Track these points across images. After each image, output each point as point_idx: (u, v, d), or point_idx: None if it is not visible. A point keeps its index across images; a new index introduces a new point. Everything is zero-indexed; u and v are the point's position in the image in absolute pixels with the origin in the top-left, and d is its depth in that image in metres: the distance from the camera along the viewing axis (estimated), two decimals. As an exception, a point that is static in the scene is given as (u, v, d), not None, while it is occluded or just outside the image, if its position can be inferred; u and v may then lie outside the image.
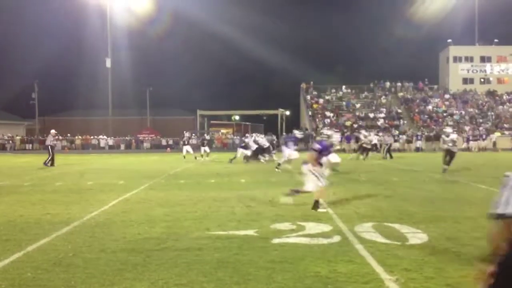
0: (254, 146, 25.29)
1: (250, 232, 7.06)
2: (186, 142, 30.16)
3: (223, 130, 66.14)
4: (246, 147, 25.76)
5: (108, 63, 55.49)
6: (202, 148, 29.32)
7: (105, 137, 55.45)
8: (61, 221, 8.07)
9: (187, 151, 28.89)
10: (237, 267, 5.25)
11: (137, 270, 5.17)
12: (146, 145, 55.00)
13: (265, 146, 25.49)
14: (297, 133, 22.54)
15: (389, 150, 29.86)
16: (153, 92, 70.99)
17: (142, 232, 7.11)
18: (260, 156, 25.19)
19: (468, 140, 43.90)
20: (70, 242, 6.51)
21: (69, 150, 50.36)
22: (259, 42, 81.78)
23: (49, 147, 23.36)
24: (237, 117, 74.11)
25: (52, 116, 72.06)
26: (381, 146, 32.05)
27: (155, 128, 65.43)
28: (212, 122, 71.41)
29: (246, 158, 24.90)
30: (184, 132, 34.46)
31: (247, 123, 71.73)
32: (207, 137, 40.96)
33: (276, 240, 6.47)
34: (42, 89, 64.00)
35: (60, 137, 50.89)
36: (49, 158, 22.89)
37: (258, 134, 28.31)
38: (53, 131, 24.71)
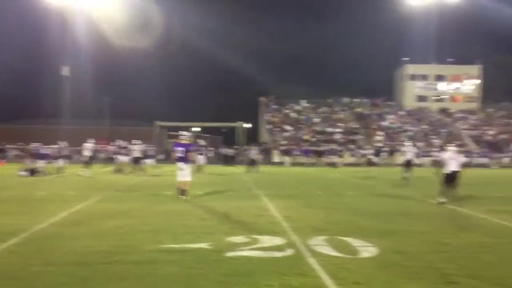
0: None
1: (204, 245, 7.01)
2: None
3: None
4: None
5: (65, 71, 54.32)
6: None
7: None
8: (9, 232, 7.80)
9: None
10: (190, 281, 5.20)
11: (84, 284, 5.05)
12: (103, 155, 53.93)
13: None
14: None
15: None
16: (112, 102, 69.97)
17: (92, 245, 6.94)
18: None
19: (421, 156, 45.12)
20: (18, 254, 6.30)
21: (20, 159, 48.89)
22: (220, 55, 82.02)
23: None
24: (196, 129, 73.78)
25: (5, 124, 69.98)
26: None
27: (113, 138, 64.26)
28: (170, 133, 70.77)
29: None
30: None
31: (206, 135, 71.54)
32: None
33: (229, 254, 6.44)
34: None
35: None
36: None
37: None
38: None
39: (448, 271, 5.63)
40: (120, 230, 8.19)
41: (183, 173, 13.12)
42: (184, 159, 13.11)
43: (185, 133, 13.53)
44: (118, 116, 71.85)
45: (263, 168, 33.45)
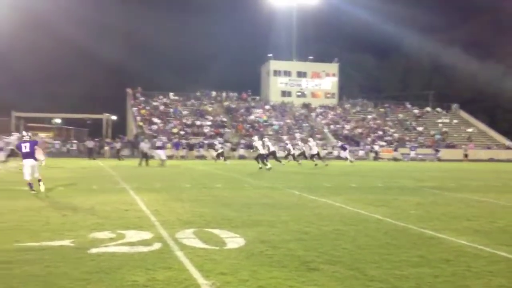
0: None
1: (66, 242, 6.68)
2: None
3: (42, 134, 61.48)
4: None
5: None
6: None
7: None
8: None
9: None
10: (49, 280, 4.92)
11: None
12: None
13: None
14: None
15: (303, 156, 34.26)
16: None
17: None
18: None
19: (285, 149, 47.18)
20: None
21: None
22: (86, 43, 77.95)
23: None
24: (58, 121, 69.68)
25: None
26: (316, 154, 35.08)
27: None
28: (29, 125, 65.97)
29: None
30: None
31: (70, 127, 67.90)
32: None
33: (93, 250, 6.20)
34: None
35: None
36: None
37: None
38: None
39: (309, 258, 5.94)
40: (-31, 229, 7.50)
41: (34, 169, 12.98)
42: (32, 155, 13.06)
43: (29, 133, 14.36)
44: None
45: (131, 162, 32.68)
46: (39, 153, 13.35)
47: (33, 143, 13.28)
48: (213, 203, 11.18)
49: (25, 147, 13.05)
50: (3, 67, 73.82)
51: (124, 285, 4.80)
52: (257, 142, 26.92)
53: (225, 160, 35.64)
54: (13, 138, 25.00)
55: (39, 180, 12.93)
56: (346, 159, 37.09)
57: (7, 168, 22.48)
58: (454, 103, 70.54)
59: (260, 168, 25.17)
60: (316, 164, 29.98)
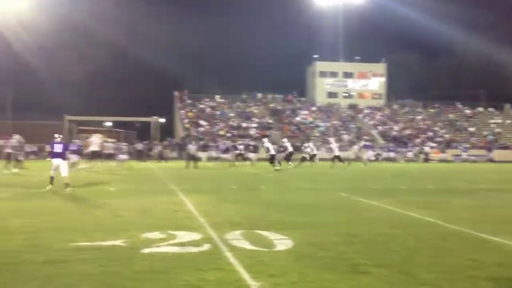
0: None
1: (118, 242, 6.83)
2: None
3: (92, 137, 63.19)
4: None
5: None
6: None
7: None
8: None
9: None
10: (103, 279, 5.05)
11: (-10, 287, 4.77)
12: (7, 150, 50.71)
13: None
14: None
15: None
16: (15, 94, 65.95)
17: (-3, 245, 6.56)
18: None
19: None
20: None
21: None
22: (133, 48, 79.86)
23: None
24: (109, 123, 71.64)
25: None
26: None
27: (18, 133, 60.39)
28: (80, 128, 68.10)
29: None
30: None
31: (120, 129, 69.63)
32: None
33: (145, 250, 6.33)
34: None
35: None
36: None
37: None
38: None
39: (359, 261, 5.86)
40: (27, 228, 7.79)
41: (63, 168, 14.23)
42: (62, 156, 14.32)
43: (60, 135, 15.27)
44: (22, 109, 67.82)
45: (178, 164, 33.19)
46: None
47: (66, 146, 14.83)
48: (259, 204, 11.20)
49: (58, 148, 14.34)
50: (57, 73, 76.47)
51: (176, 285, 4.88)
52: (266, 143, 27.33)
53: (238, 160, 35.70)
54: (95, 139, 26.11)
55: (66, 183, 13.90)
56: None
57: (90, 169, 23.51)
58: (507, 103, 68.12)
59: (277, 169, 25.55)
60: (347, 163, 29.59)
